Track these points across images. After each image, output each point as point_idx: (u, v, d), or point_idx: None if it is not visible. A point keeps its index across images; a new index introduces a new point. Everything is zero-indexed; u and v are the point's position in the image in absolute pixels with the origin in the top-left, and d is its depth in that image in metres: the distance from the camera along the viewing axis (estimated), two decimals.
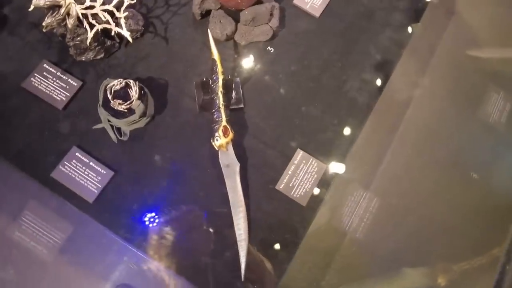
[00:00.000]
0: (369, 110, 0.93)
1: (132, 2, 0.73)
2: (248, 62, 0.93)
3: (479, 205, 0.97)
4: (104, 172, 0.80)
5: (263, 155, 0.86)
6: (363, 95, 0.93)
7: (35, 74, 0.85)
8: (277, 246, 0.81)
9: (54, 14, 0.75)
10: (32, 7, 0.78)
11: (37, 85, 0.84)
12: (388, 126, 0.95)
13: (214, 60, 0.80)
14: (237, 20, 0.91)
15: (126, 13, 0.73)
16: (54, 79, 0.85)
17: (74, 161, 0.80)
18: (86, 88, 0.86)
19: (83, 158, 0.81)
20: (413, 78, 0.99)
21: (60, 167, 0.80)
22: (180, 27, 0.93)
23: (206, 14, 0.92)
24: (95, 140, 0.83)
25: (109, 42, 0.86)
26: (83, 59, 0.86)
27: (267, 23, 0.90)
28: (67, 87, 0.85)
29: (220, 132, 0.77)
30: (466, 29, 1.13)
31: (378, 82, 0.95)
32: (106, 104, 0.80)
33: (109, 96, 0.78)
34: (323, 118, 0.90)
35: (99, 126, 0.83)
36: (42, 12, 0.80)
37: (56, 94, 0.84)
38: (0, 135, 0.83)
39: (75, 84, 0.85)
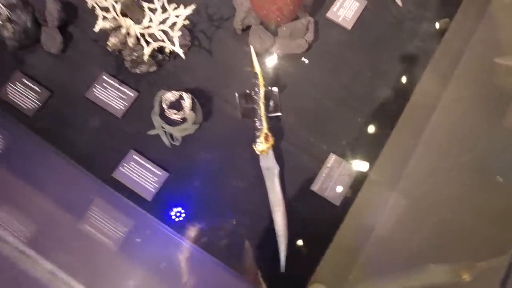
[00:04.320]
0: (398, 115, 0.99)
1: (186, 23, 0.82)
2: (284, 73, 1.00)
3: (504, 209, 1.01)
4: (160, 173, 0.90)
5: (299, 159, 0.94)
6: (391, 102, 1.00)
7: (96, 85, 0.96)
8: (311, 242, 0.90)
9: (116, 34, 0.84)
10: (97, 29, 0.88)
11: (98, 95, 0.96)
12: (416, 130, 1.01)
13: (256, 74, 0.88)
14: (275, 34, 0.99)
15: (180, 33, 0.82)
16: (112, 89, 0.96)
17: (132, 163, 0.91)
18: (140, 97, 0.96)
19: (140, 160, 0.91)
20: (440, 84, 1.04)
21: (120, 168, 0.91)
22: (223, 40, 1.02)
23: (246, 28, 1.01)
24: (150, 145, 0.93)
25: (160, 56, 0.96)
26: (138, 72, 0.96)
27: (303, 37, 0.97)
28: (125, 97, 0.95)
29: (262, 138, 0.85)
30: (495, 34, 1.17)
31: (406, 89, 1.01)
32: (161, 113, 0.91)
33: (165, 107, 0.88)
34: (354, 124, 0.98)
35: (153, 132, 0.93)
36: (101, 29, 0.91)
37: (115, 103, 0.95)
38: (67, 139, 0.94)
39: (132, 95, 0.95)
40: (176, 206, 0.89)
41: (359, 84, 1.00)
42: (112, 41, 0.84)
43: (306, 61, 1.00)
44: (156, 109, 0.89)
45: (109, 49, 0.85)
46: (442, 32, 1.05)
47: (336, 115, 0.97)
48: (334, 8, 1.04)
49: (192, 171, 0.92)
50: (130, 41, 0.83)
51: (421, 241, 1.03)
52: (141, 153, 0.92)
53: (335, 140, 0.96)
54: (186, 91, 0.93)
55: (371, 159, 0.95)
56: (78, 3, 1.03)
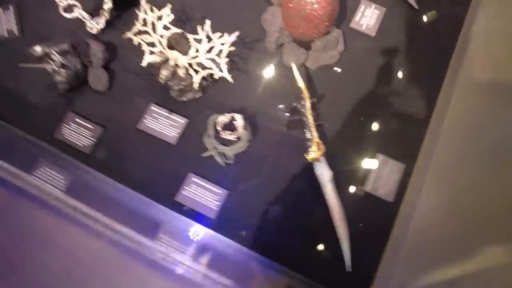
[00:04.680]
0: (430, 113, 1.05)
1: (232, 49, 0.87)
2: (320, 83, 1.06)
3: None
4: (220, 191, 0.95)
5: (347, 162, 0.99)
6: (423, 100, 1.06)
7: (146, 116, 1.01)
8: (371, 239, 0.94)
9: (166, 66, 0.90)
10: (145, 63, 0.93)
11: (149, 125, 1.00)
12: (449, 125, 1.07)
13: (299, 88, 0.94)
14: (307, 48, 1.05)
15: (228, 59, 0.87)
16: (163, 118, 1.01)
17: (192, 185, 0.96)
18: (190, 123, 1.01)
19: (199, 181, 0.96)
20: (466, 78, 1.11)
21: (182, 191, 0.95)
22: (257, 60, 1.08)
23: (278, 46, 1.07)
24: (206, 166, 0.98)
25: (204, 83, 1.01)
26: (184, 99, 1.01)
27: (334, 49, 1.03)
28: (176, 124, 1.00)
29: (314, 147, 0.91)
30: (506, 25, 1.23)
31: (435, 86, 1.07)
32: (214, 134, 0.96)
33: (219, 129, 0.93)
34: (392, 124, 1.03)
35: (207, 154, 0.98)
36: (139, 62, 0.96)
37: (168, 131, 1.00)
38: (126, 171, 0.99)
39: (182, 121, 1.00)
40: (240, 221, 0.94)
41: (392, 85, 1.06)
42: (164, 73, 0.89)
43: (339, 70, 1.07)
44: (211, 132, 0.94)
45: (161, 81, 0.90)
46: (429, 24, 1.11)
47: (373, 117, 1.03)
48: (356, 18, 1.11)
49: (250, 186, 0.97)
50: (181, 72, 0.89)
51: (459, 228, 1.08)
52: (199, 175, 0.97)
53: (377, 140, 1.01)
54: (231, 111, 0.99)
55: (414, 154, 1.00)
56: (117, 42, 1.08)
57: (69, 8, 1.11)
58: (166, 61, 0.91)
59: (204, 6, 1.11)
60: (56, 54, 0.93)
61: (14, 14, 1.09)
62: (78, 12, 1.10)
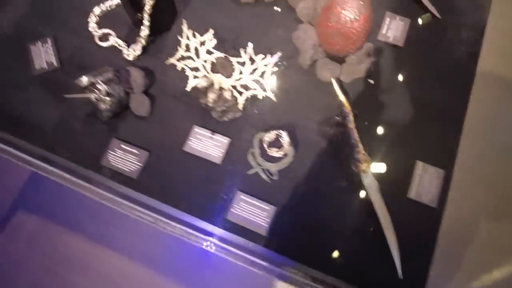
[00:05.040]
0: (463, 117, 1.08)
1: (276, 70, 0.90)
2: (354, 95, 1.09)
3: None
4: (268, 207, 0.97)
5: (389, 170, 1.01)
6: (454, 104, 1.08)
7: (190, 138, 1.03)
8: (419, 245, 0.96)
9: (212, 90, 0.92)
10: (190, 87, 0.96)
11: (194, 146, 1.03)
12: (483, 129, 1.10)
13: (341, 102, 0.97)
14: (340, 62, 1.08)
15: (274, 82, 0.90)
16: (206, 139, 1.03)
17: (241, 203, 0.97)
18: (233, 142, 1.03)
19: (247, 199, 0.98)
20: (494, 80, 1.14)
21: (232, 210, 0.97)
22: (292, 77, 1.10)
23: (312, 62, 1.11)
24: (251, 183, 1.00)
25: (245, 102, 1.04)
26: (225, 119, 1.04)
27: (367, 62, 1.07)
28: (219, 144, 1.03)
29: (361, 158, 0.93)
30: None
31: (465, 90, 1.10)
32: (256, 151, 0.98)
33: (265, 146, 0.95)
34: (427, 130, 1.06)
35: (252, 171, 1.00)
36: (178, 86, 0.99)
37: (212, 151, 1.02)
38: (175, 193, 1.00)
39: (225, 141, 1.03)
40: (290, 236, 0.96)
41: (423, 93, 1.09)
42: (212, 97, 0.91)
43: (372, 81, 1.10)
44: (256, 149, 0.97)
45: (210, 105, 0.93)
46: (424, 27, 1.15)
47: (408, 124, 1.06)
48: (383, 30, 1.14)
49: (297, 200, 0.99)
50: (228, 95, 0.91)
51: (504, 229, 1.10)
52: (246, 192, 0.99)
53: (414, 147, 1.04)
54: (271, 128, 1.01)
55: (451, 159, 1.03)
56: (153, 67, 1.11)
57: (104, 37, 1.14)
58: (211, 84, 0.94)
59: (233, 27, 1.15)
60: (102, 83, 0.95)
61: (52, 46, 1.12)
62: (113, 40, 1.13)
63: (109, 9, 1.18)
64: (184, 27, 0.91)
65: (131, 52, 1.09)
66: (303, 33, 1.09)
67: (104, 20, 1.16)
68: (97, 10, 1.17)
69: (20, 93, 1.10)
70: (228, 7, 1.19)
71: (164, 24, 1.13)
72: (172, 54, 1.09)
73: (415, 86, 1.10)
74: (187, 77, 0.99)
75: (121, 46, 1.12)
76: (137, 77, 1.04)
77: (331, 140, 1.01)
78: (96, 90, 0.96)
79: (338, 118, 0.98)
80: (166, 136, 1.05)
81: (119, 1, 1.18)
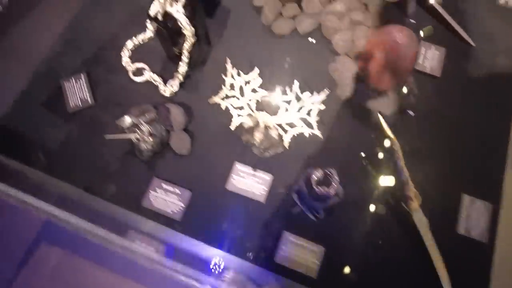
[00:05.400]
0: (506, 147, 1.07)
1: (323, 108, 0.89)
2: (396, 128, 1.04)
3: None
4: (317, 249, 0.94)
5: (436, 205, 0.99)
6: (497, 134, 1.07)
7: (233, 175, 1.01)
8: (472, 282, 0.94)
9: (258, 129, 0.91)
10: (234, 126, 0.94)
11: (237, 184, 1.00)
12: None
13: (390, 138, 0.96)
14: (381, 94, 1.07)
15: (319, 118, 0.89)
16: (249, 176, 1.01)
17: (289, 244, 0.95)
18: (275, 179, 1.01)
19: (295, 240, 0.95)
20: None
21: (280, 252, 0.94)
22: (332, 110, 1.07)
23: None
24: (297, 222, 0.97)
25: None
26: (267, 155, 1.02)
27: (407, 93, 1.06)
28: (262, 181, 1.00)
29: (412, 196, 0.91)
30: None
31: (506, 119, 1.09)
32: (303, 190, 0.94)
33: (313, 184, 0.93)
34: (471, 162, 1.04)
35: (297, 210, 0.98)
36: (217, 122, 0.99)
37: (256, 189, 1.00)
38: (220, 233, 0.97)
39: (268, 178, 1.00)
40: (342, 278, 0.94)
41: (464, 123, 1.08)
42: (259, 136, 0.90)
43: (412, 113, 1.09)
44: (304, 188, 0.95)
45: (256, 144, 0.91)
46: (426, 39, 1.14)
47: (452, 157, 1.04)
48: (420, 60, 1.13)
49: (346, 240, 0.96)
50: (274, 134, 0.90)
51: None
52: (293, 232, 0.96)
53: (461, 180, 1.02)
54: (315, 164, 0.99)
55: (497, 191, 1.01)
56: (190, 103, 1.08)
57: (138, 72, 1.13)
58: (257, 123, 0.92)
59: (269, 59, 1.12)
60: (144, 124, 0.93)
61: (85, 83, 1.10)
62: (148, 75, 1.12)
63: (141, 42, 1.17)
64: (229, 66, 0.90)
65: (168, 88, 1.08)
66: (341, 65, 1.08)
67: (137, 54, 1.15)
68: (129, 44, 1.16)
69: (56, 132, 1.07)
70: (263, 38, 1.17)
71: (200, 58, 1.12)
72: (209, 89, 1.08)
73: (455, 116, 1.09)
74: (229, 114, 0.97)
75: (156, 82, 1.10)
76: (177, 115, 1.02)
77: (375, 176, 1.00)
78: (138, 131, 0.94)
79: (386, 154, 0.97)
80: (208, 174, 1.03)
81: (152, 35, 1.17)
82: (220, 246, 0.96)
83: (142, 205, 0.99)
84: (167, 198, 0.99)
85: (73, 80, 1.11)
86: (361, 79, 1.06)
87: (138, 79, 1.11)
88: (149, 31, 1.16)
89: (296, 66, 1.13)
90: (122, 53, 1.14)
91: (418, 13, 1.18)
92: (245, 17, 1.20)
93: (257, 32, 1.18)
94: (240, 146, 1.05)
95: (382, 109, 1.07)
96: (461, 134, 1.08)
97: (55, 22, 1.18)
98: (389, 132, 0.96)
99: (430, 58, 1.15)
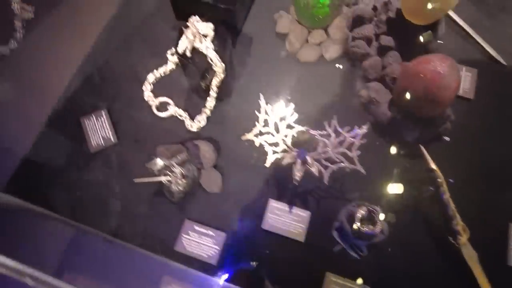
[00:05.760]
0: None
1: (364, 142, 0.85)
2: (436, 156, 1.00)
3: None
4: None
5: (483, 237, 0.94)
6: None
7: (269, 214, 0.96)
8: None
9: (298, 167, 0.86)
10: (269, 163, 0.90)
11: (273, 223, 0.95)
12: None
13: (433, 171, 0.92)
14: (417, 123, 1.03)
15: (359, 152, 0.85)
16: (285, 214, 0.96)
17: (333, 285, 0.90)
18: (312, 216, 0.96)
19: (339, 281, 0.90)
20: None
21: None
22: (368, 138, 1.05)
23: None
24: (339, 261, 0.92)
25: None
26: (303, 190, 0.98)
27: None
28: (299, 219, 0.96)
29: (460, 230, 0.87)
30: None
31: None
32: (345, 227, 0.90)
33: (357, 222, 0.89)
34: None
35: (339, 248, 0.93)
36: (247, 157, 0.94)
37: (293, 228, 0.95)
38: (257, 276, 0.92)
39: (305, 215, 0.96)
40: None
41: (503, 147, 1.04)
42: (299, 175, 0.85)
43: (447, 139, 1.04)
44: (346, 225, 0.90)
45: (296, 183, 0.87)
46: (426, 44, 1.08)
47: (495, 186, 1.00)
48: None
49: (392, 278, 0.92)
50: (314, 170, 0.85)
51: None
52: (336, 273, 0.91)
53: (506, 208, 0.98)
54: (354, 199, 0.95)
55: None
56: (218, 137, 1.04)
57: (162, 107, 1.08)
58: (295, 160, 0.88)
59: (297, 88, 1.09)
60: (177, 166, 0.89)
61: (107, 120, 1.05)
62: (173, 110, 1.07)
63: (163, 75, 1.13)
64: (262, 102, 0.86)
65: (196, 124, 1.03)
66: (375, 92, 1.05)
67: (159, 87, 1.11)
68: (151, 77, 1.12)
69: (78, 173, 1.02)
70: (288, 66, 1.13)
71: (225, 90, 1.07)
72: (237, 122, 1.04)
73: (493, 141, 1.05)
74: (259, 149, 0.92)
75: (182, 116, 1.06)
76: (206, 152, 0.97)
77: (424, 210, 0.96)
78: (170, 173, 0.89)
79: (431, 188, 0.93)
80: (242, 213, 0.98)
81: (173, 67, 1.13)
82: None
83: (175, 249, 0.94)
84: (201, 241, 0.94)
85: (94, 118, 1.06)
86: (395, 105, 1.01)
87: (162, 114, 1.06)
88: (171, 63, 1.12)
89: (327, 94, 1.09)
90: (143, 87, 1.09)
91: (446, 34, 1.15)
92: (269, 44, 1.16)
93: (282, 60, 1.14)
94: (274, 183, 1.00)
95: (415, 137, 1.01)
96: (500, 160, 1.03)
97: (72, 58, 1.13)
98: (431, 163, 0.93)
99: (462, 80, 1.12)
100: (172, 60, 1.13)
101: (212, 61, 0.89)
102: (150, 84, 1.11)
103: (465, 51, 1.15)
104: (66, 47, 1.16)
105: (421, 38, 1.07)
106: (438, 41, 1.12)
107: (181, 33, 0.91)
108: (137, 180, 0.90)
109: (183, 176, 0.89)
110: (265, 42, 1.16)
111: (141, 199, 0.99)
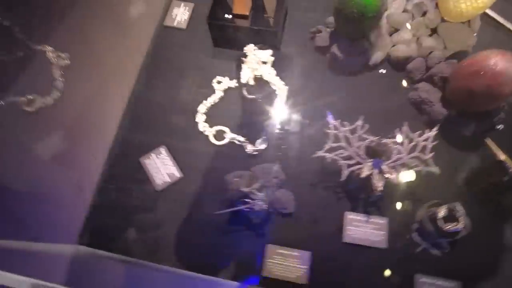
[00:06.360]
0: None
1: (435, 142, 0.87)
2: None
3: None
4: (455, 285, 0.90)
5: None
6: None
7: (348, 227, 0.97)
8: None
9: (379, 178, 0.88)
10: (344, 177, 0.91)
11: (353, 235, 0.96)
12: None
13: (505, 161, 0.94)
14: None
15: (433, 153, 0.87)
16: (363, 224, 0.97)
17: (426, 286, 0.91)
18: (390, 222, 0.96)
19: (429, 280, 0.90)
20: None
21: None
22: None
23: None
24: (422, 261, 0.93)
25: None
26: (373, 199, 0.99)
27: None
28: (378, 227, 0.96)
29: None
30: None
31: None
32: (427, 228, 0.92)
33: (439, 222, 0.91)
34: None
35: (420, 248, 0.94)
36: (313, 172, 0.92)
37: (374, 237, 0.95)
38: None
39: (382, 222, 0.97)
40: None
41: None
42: (381, 185, 0.87)
43: (502, 127, 1.06)
44: (427, 226, 0.92)
45: (377, 194, 0.88)
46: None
47: None
48: None
49: (478, 270, 0.93)
50: (394, 178, 0.87)
51: None
52: (423, 272, 0.92)
53: None
54: (428, 199, 0.96)
55: None
56: (282, 158, 1.04)
57: (218, 135, 1.08)
58: (372, 171, 0.89)
59: (348, 100, 1.10)
60: (257, 192, 0.89)
61: (168, 156, 1.05)
62: (230, 136, 1.06)
63: (213, 103, 1.14)
64: (330, 118, 0.87)
65: (257, 148, 1.05)
66: (425, 93, 1.08)
67: (212, 116, 1.10)
68: (202, 108, 1.12)
69: (149, 214, 1.01)
70: (332, 77, 1.14)
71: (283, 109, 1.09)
72: (298, 139, 1.04)
73: None
74: (330, 164, 0.93)
75: (240, 142, 1.07)
76: (276, 172, 0.98)
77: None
78: (250, 200, 0.89)
79: (505, 179, 0.96)
80: (321, 230, 0.98)
81: (222, 94, 1.14)
82: None
83: (262, 275, 0.94)
84: (287, 263, 0.95)
85: (154, 156, 1.06)
86: (449, 103, 1.03)
87: (220, 142, 1.07)
88: (219, 92, 1.14)
89: (378, 100, 1.10)
90: (197, 119, 1.10)
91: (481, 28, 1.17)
92: (309, 59, 1.17)
93: (325, 72, 1.16)
94: (344, 195, 1.01)
95: (472, 131, 1.04)
96: None
97: (117, 99, 1.13)
98: (500, 154, 0.95)
99: None
100: (219, 89, 1.14)
101: (275, 86, 0.90)
102: (202, 115, 1.12)
103: (502, 42, 1.18)
104: (109, 88, 1.16)
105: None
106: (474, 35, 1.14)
107: (240, 63, 0.92)
108: (218, 213, 0.90)
109: (264, 201, 0.90)
110: (305, 56, 1.17)
111: (217, 231, 0.99)
